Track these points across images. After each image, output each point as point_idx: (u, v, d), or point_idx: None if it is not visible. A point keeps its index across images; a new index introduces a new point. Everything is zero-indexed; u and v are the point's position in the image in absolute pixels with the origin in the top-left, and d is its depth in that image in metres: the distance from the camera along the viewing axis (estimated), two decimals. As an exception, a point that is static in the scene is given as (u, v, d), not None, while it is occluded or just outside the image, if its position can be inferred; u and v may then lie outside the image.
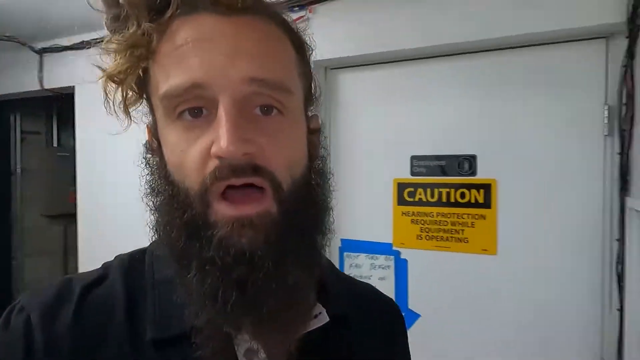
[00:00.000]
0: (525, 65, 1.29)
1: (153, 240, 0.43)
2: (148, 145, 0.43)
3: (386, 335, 0.53)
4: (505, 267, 1.31)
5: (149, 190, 0.41)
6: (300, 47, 0.42)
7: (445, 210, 1.39)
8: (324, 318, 0.43)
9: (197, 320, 0.37)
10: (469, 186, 1.36)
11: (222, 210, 0.36)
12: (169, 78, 0.36)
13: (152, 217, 0.41)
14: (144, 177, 0.42)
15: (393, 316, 0.56)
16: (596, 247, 1.21)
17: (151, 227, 0.42)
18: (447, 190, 1.39)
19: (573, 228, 1.24)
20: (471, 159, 1.36)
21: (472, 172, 1.36)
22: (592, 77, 1.22)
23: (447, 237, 1.39)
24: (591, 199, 1.22)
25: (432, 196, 1.41)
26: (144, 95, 0.41)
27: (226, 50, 0.35)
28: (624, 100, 1.13)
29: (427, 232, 1.42)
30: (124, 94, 0.39)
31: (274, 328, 0.39)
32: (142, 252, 0.45)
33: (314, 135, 0.45)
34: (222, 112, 0.35)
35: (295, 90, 0.40)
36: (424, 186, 1.42)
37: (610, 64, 1.19)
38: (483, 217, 1.34)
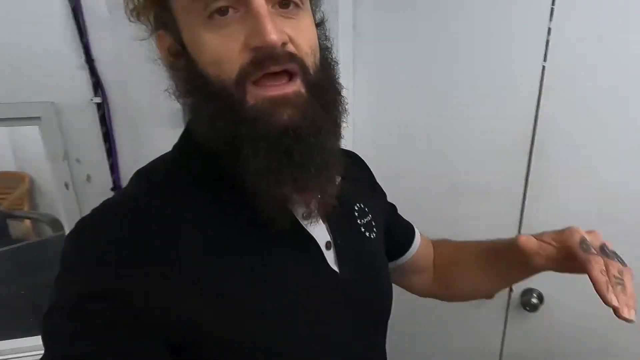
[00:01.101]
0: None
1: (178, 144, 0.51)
2: (171, 51, 0.45)
3: (366, 180, 0.70)
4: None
5: (184, 92, 0.45)
6: None
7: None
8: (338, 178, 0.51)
9: (257, 190, 0.42)
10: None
11: (260, 94, 0.41)
12: None
13: (190, 115, 0.48)
14: (173, 80, 0.46)
15: (363, 164, 0.71)
16: None
17: (191, 124, 0.49)
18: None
19: None
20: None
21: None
22: None
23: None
24: None
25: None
26: (161, 5, 0.43)
27: None
28: None
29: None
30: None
31: (317, 187, 0.46)
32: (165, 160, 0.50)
33: (320, 27, 0.49)
34: (258, 8, 0.39)
35: None
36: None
37: None
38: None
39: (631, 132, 0.94)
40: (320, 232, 0.51)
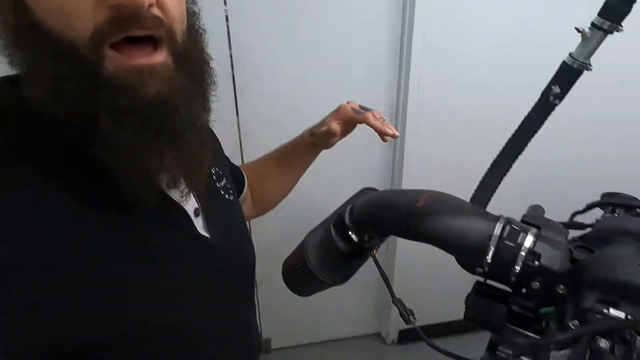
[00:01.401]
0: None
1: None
2: (8, 2, 0.35)
3: (215, 142, 0.67)
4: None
5: (11, 42, 0.36)
6: None
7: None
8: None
9: (119, 168, 0.38)
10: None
11: (121, 62, 0.35)
12: None
13: (19, 69, 0.37)
14: (7, 35, 0.36)
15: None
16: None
17: (24, 79, 0.37)
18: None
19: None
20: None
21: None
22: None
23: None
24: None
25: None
26: None
27: None
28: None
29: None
30: None
31: (192, 166, 0.44)
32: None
33: None
34: None
35: None
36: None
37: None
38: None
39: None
40: (187, 199, 0.48)
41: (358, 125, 0.75)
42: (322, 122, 0.75)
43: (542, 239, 0.50)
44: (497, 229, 0.48)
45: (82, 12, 0.33)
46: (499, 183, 0.64)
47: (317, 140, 0.76)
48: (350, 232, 0.54)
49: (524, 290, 0.52)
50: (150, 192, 0.42)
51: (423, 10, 1.38)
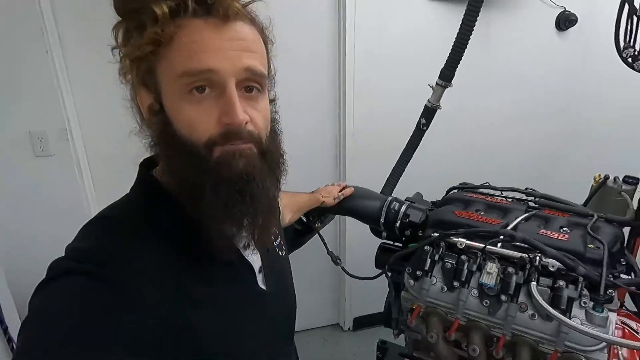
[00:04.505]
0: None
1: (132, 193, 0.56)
2: (150, 108, 0.51)
3: None
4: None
5: (156, 140, 0.52)
6: (266, 43, 0.55)
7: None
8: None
9: (212, 225, 0.50)
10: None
11: (223, 149, 0.48)
12: (188, 62, 0.46)
13: (164, 161, 0.52)
14: (147, 129, 0.52)
15: None
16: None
17: (163, 169, 0.54)
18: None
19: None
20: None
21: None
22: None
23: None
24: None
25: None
26: (148, 69, 0.49)
27: (232, 47, 0.47)
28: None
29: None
30: (132, 69, 0.49)
31: (263, 226, 0.54)
32: (125, 203, 0.55)
33: (272, 103, 0.59)
34: (230, 93, 0.47)
35: (266, 75, 0.53)
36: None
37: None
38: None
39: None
40: (256, 259, 0.61)
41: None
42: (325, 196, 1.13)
43: (411, 207, 0.96)
44: (387, 203, 0.94)
45: (205, 127, 0.48)
46: (397, 181, 1.13)
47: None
48: (302, 217, 0.99)
49: (404, 238, 0.97)
50: (230, 246, 0.56)
51: (351, 59, 1.86)
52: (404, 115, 1.51)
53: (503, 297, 0.86)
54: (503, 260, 0.91)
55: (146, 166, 0.57)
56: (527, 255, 0.87)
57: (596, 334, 0.74)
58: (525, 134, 2.28)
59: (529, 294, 0.84)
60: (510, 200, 1.16)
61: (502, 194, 1.20)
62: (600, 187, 1.29)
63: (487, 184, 1.22)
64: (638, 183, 1.33)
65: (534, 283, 0.83)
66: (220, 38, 0.47)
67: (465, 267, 0.91)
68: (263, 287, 0.61)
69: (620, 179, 1.30)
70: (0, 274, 1.36)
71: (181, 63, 0.47)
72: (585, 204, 1.30)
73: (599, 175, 1.34)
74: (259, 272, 0.61)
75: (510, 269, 0.88)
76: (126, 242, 0.48)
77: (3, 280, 1.37)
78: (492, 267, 0.88)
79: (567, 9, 2.02)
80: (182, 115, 0.48)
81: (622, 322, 0.96)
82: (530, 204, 1.12)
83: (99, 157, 1.74)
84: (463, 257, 0.92)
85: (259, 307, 0.60)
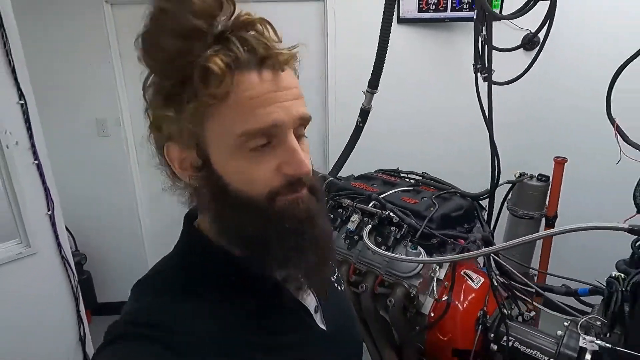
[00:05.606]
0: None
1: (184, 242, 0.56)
2: (187, 163, 0.50)
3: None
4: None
5: (208, 197, 0.50)
6: None
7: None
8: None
9: (279, 272, 0.54)
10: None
11: (284, 199, 0.49)
12: (249, 121, 0.45)
13: (216, 217, 0.51)
14: (188, 186, 0.52)
15: None
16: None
17: (212, 223, 0.52)
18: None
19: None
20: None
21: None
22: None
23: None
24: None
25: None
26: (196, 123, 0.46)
27: (286, 97, 0.47)
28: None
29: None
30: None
31: (322, 268, 0.55)
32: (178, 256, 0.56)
33: None
34: (292, 144, 0.48)
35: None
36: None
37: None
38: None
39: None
40: (310, 299, 0.61)
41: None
42: None
43: (331, 181, 1.38)
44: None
45: (265, 180, 0.48)
46: (342, 166, 1.55)
47: None
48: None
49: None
50: (289, 296, 0.56)
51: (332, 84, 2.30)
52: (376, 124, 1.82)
53: (356, 237, 1.22)
54: (368, 215, 1.26)
55: (188, 219, 0.57)
56: (378, 210, 1.22)
57: (394, 256, 1.08)
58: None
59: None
60: (407, 180, 1.50)
61: (407, 176, 1.54)
62: (517, 182, 1.56)
63: (397, 169, 1.58)
64: (548, 181, 1.58)
65: (367, 228, 1.19)
66: (276, 90, 0.46)
67: (339, 217, 1.28)
68: (322, 326, 0.61)
69: (535, 177, 1.56)
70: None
71: (240, 122, 0.45)
72: (507, 195, 1.57)
73: (518, 172, 1.60)
74: (315, 311, 0.61)
75: (366, 219, 1.24)
76: (179, 300, 0.50)
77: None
78: (355, 218, 1.25)
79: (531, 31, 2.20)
80: (240, 171, 0.48)
81: (465, 273, 1.26)
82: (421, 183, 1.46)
83: (141, 139, 2.35)
84: (340, 210, 1.30)
85: (320, 347, 0.60)
